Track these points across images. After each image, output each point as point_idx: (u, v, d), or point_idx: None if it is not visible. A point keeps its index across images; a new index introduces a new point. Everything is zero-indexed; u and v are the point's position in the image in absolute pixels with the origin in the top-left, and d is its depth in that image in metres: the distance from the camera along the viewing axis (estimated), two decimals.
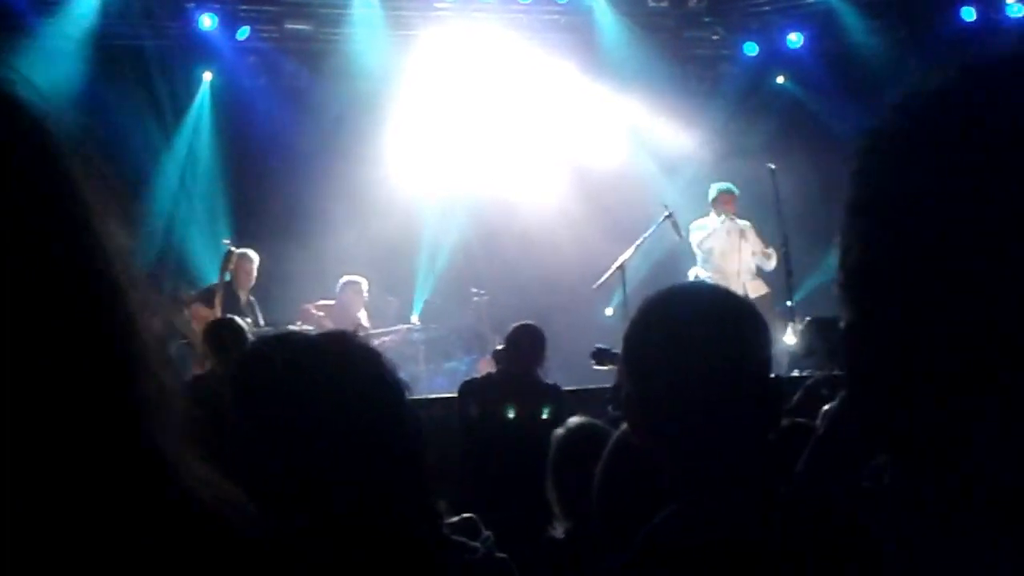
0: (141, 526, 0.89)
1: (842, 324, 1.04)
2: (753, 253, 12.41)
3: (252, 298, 12.45)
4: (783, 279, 11.65)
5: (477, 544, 3.55)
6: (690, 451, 2.00)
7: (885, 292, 0.99)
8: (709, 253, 12.50)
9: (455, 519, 4.04)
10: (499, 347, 8.92)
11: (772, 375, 2.14)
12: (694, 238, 12.60)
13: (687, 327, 2.01)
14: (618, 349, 8.49)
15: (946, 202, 0.94)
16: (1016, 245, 0.90)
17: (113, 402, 0.89)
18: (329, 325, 12.30)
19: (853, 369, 1.05)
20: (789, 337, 10.33)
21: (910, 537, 1.01)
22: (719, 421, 1.97)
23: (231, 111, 14.50)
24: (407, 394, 2.09)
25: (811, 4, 14.93)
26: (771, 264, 12.25)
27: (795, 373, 8.81)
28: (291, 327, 12.24)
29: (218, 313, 11.25)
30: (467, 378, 12.89)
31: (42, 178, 0.90)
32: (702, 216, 12.75)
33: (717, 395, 1.96)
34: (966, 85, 1.00)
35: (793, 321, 10.76)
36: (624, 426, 2.82)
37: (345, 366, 1.90)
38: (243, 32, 14.30)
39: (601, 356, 8.89)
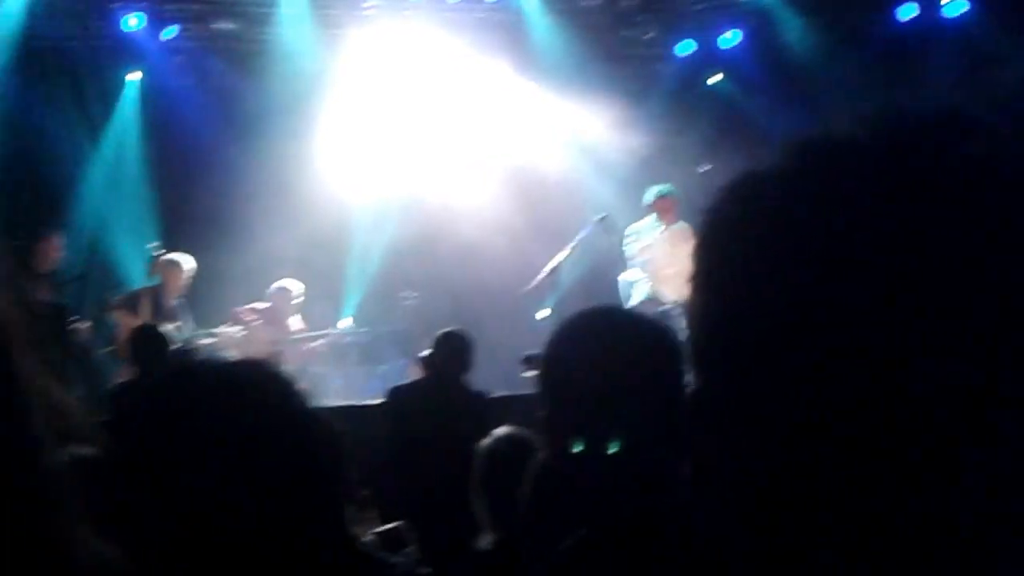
0: None
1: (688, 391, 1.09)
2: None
3: (183, 301, 12.29)
4: None
5: (399, 559, 3.46)
6: (603, 473, 2.03)
7: (718, 366, 1.01)
8: (645, 261, 12.33)
9: (381, 528, 3.96)
10: (425, 352, 8.80)
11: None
12: (630, 248, 12.46)
13: (602, 352, 2.07)
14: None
15: (779, 278, 0.95)
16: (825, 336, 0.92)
17: (8, 486, 0.90)
18: (260, 329, 12.22)
19: (696, 434, 1.07)
20: None
21: None
22: (630, 444, 2.00)
23: (158, 111, 14.28)
24: (319, 421, 2.00)
25: (746, 3, 14.88)
26: None
27: None
28: (222, 329, 12.16)
29: (144, 319, 11.05)
30: (399, 380, 12.92)
31: None
32: (637, 219, 12.62)
33: (627, 419, 1.99)
34: (801, 161, 1.00)
35: None
36: None
37: (252, 401, 1.82)
38: (169, 32, 14.09)
39: (532, 362, 8.79)
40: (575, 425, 2.07)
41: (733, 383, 0.99)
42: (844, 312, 0.91)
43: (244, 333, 12.27)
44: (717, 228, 1.04)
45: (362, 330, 13.67)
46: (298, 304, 12.87)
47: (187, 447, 1.73)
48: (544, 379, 2.19)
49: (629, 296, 12.40)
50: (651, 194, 12.49)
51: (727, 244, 1.02)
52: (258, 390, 1.84)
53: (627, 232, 12.51)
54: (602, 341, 2.11)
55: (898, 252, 0.91)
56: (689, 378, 1.12)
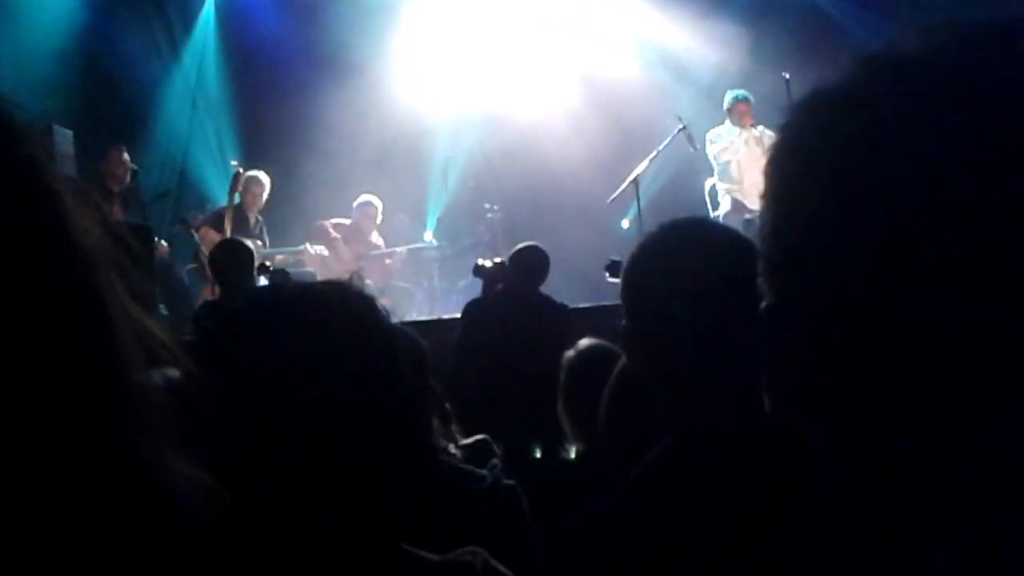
0: (119, 525, 0.91)
1: (762, 305, 1.08)
2: None
3: (260, 218, 12.37)
4: None
5: (484, 472, 3.49)
6: (684, 385, 2.05)
7: (798, 283, 1.02)
8: (727, 164, 12.24)
9: (468, 440, 4.00)
10: (487, 261, 8.75)
11: None
12: (711, 150, 12.38)
13: (684, 264, 2.07)
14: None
15: (848, 200, 0.96)
16: (923, 247, 0.91)
17: (89, 402, 0.90)
18: (341, 245, 12.32)
19: (771, 351, 1.08)
20: None
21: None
22: (714, 358, 2.00)
23: (239, 26, 14.38)
24: (405, 342, 2.05)
25: None
26: None
27: None
28: (303, 247, 12.24)
29: (227, 236, 11.11)
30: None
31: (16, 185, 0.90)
32: (717, 125, 12.51)
33: (712, 333, 2.00)
34: (868, 80, 1.00)
35: None
36: None
37: (336, 320, 1.83)
38: None
39: (616, 269, 8.74)
40: (655, 336, 2.08)
41: (803, 300, 1.00)
42: (911, 232, 0.91)
43: (326, 250, 12.35)
44: (786, 146, 1.05)
45: (444, 244, 13.64)
46: (380, 219, 12.88)
47: (273, 368, 1.74)
48: (626, 290, 2.18)
49: (716, 203, 12.37)
50: (728, 98, 12.37)
51: (796, 162, 1.03)
52: (342, 309, 1.84)
53: (707, 137, 12.43)
54: (685, 252, 2.10)
55: (964, 171, 0.90)
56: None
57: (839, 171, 0.97)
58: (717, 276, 2.02)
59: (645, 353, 2.13)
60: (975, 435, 0.91)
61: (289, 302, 1.87)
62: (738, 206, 11.86)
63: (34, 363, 0.86)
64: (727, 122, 12.37)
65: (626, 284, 2.18)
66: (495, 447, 3.86)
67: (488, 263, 8.54)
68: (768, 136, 11.85)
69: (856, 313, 0.95)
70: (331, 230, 12.58)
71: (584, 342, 4.47)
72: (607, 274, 9.00)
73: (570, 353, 4.43)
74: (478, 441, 3.94)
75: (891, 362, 0.93)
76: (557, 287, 8.46)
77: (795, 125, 1.04)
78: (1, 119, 0.91)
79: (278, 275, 9.21)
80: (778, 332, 1.06)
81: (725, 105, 12.38)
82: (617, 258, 8.85)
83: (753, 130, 11.97)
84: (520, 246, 8.16)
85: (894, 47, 1.00)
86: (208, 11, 14.47)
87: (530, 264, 7.98)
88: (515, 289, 7.96)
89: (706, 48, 14.53)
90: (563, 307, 7.98)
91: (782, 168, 1.05)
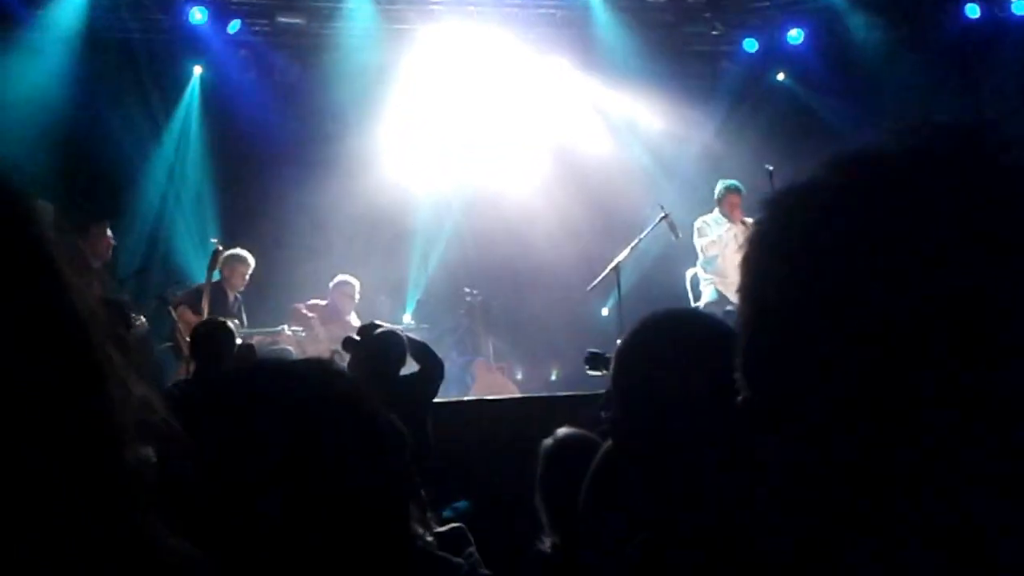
0: None
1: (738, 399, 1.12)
2: None
3: (239, 297, 12.31)
4: None
5: (461, 561, 3.42)
6: (671, 477, 2.09)
7: (765, 374, 1.07)
8: (714, 257, 12.25)
9: (443, 528, 3.93)
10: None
11: None
12: (699, 240, 12.38)
13: (674, 355, 2.13)
14: (611, 353, 8.31)
15: (824, 295, 1.00)
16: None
17: (92, 479, 0.93)
18: (318, 325, 12.25)
19: (750, 440, 1.11)
20: None
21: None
22: (703, 452, 2.02)
23: (221, 105, 14.37)
24: (388, 427, 1.95)
25: (810, 1, 14.83)
26: None
27: None
28: (281, 328, 12.18)
29: (204, 315, 11.11)
30: (461, 379, 12.87)
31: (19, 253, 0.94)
32: (702, 214, 12.54)
33: (701, 426, 2.01)
34: (834, 181, 1.05)
35: None
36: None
37: (317, 401, 1.80)
38: (234, 26, 14.19)
39: (595, 362, 8.69)
40: (644, 427, 2.12)
41: (778, 392, 1.05)
42: (883, 321, 0.96)
43: (304, 330, 12.28)
44: (761, 241, 1.09)
45: (423, 326, 13.47)
46: (357, 299, 12.81)
47: (251, 446, 1.71)
48: (616, 380, 2.21)
49: (697, 292, 12.37)
50: (720, 188, 12.42)
51: (771, 256, 1.08)
52: (323, 389, 1.81)
53: (695, 225, 12.44)
54: (675, 345, 2.15)
55: (930, 263, 0.96)
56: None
57: (810, 260, 1.02)
58: (706, 370, 2.01)
59: (633, 443, 2.17)
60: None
61: (268, 382, 1.83)
62: (721, 297, 11.85)
63: (38, 441, 0.89)
64: (716, 211, 12.40)
65: (616, 372, 2.21)
66: (470, 535, 3.80)
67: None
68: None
69: (832, 405, 0.99)
70: (307, 311, 12.50)
71: (562, 430, 4.40)
72: (587, 367, 8.95)
73: (548, 441, 4.35)
74: (453, 529, 3.88)
75: (868, 454, 0.98)
76: (539, 373, 8.42)
77: (770, 221, 1.09)
78: (12, 197, 0.95)
79: (244, 349, 9.10)
80: (755, 421, 1.10)
81: (716, 195, 12.43)
82: (596, 351, 8.82)
83: (742, 224, 11.99)
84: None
85: (863, 147, 1.05)
86: (192, 89, 14.49)
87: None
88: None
89: (688, 136, 14.67)
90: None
91: (757, 263, 1.09)
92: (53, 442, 0.89)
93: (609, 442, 2.91)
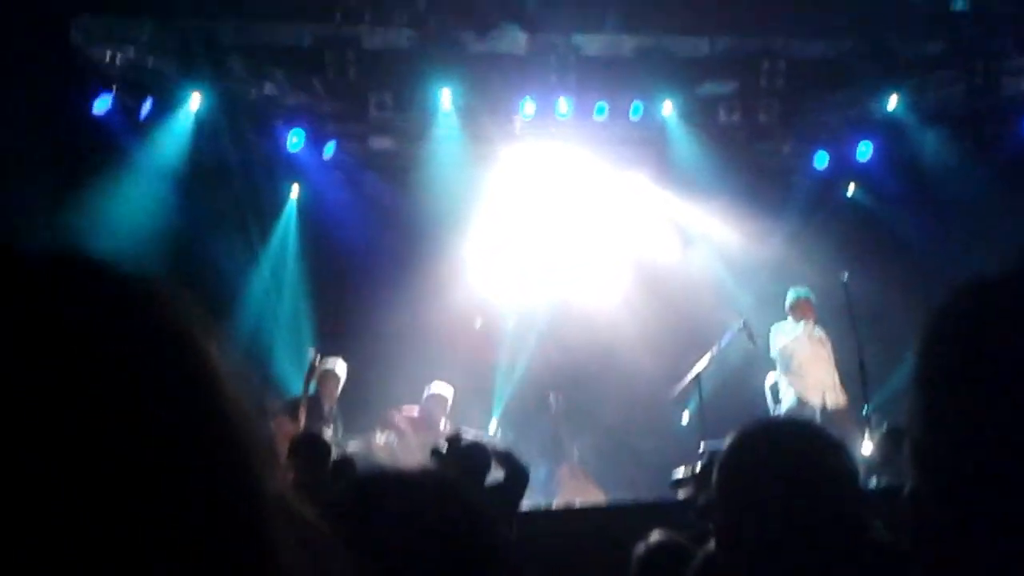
0: None
1: (906, 489, 1.13)
2: (833, 361, 12.45)
3: (335, 407, 12.54)
4: (859, 388, 11.60)
5: None
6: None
7: (947, 467, 1.05)
8: (790, 359, 12.53)
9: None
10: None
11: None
12: (776, 342, 12.67)
13: (780, 464, 2.19)
14: (692, 467, 8.54)
15: (1008, 388, 1.01)
16: None
17: None
18: (410, 434, 12.47)
19: (916, 535, 1.14)
20: (866, 447, 10.39)
21: None
22: (804, 557, 2.13)
23: (317, 223, 14.80)
24: (495, 536, 2.04)
25: (879, 116, 15.03)
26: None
27: (872, 483, 8.88)
28: (374, 435, 12.44)
29: (301, 426, 11.32)
30: (546, 485, 12.99)
31: (178, 360, 0.92)
32: (778, 321, 12.85)
33: (803, 533, 2.12)
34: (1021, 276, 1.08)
35: (869, 430, 10.80)
36: (710, 544, 2.88)
37: (438, 521, 1.88)
38: (329, 149, 14.64)
39: (681, 485, 8.86)
40: (752, 535, 2.16)
41: (957, 483, 1.03)
42: None
43: (396, 438, 12.57)
44: (946, 332, 1.09)
45: (509, 433, 13.77)
46: (449, 407, 13.12)
47: (375, 556, 1.71)
48: (721, 486, 2.26)
49: (777, 398, 12.63)
50: (791, 296, 12.78)
51: (958, 348, 1.07)
52: (441, 504, 1.88)
53: (771, 331, 12.75)
54: (779, 455, 2.21)
55: None
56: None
57: (1002, 353, 1.02)
58: (809, 478, 2.14)
59: (739, 550, 2.21)
60: None
61: (389, 494, 1.90)
62: (800, 402, 12.11)
63: (199, 556, 0.85)
64: (789, 319, 12.72)
65: (721, 479, 2.25)
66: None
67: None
68: (824, 335, 12.27)
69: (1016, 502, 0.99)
70: (399, 419, 12.78)
71: (655, 536, 4.46)
72: (672, 490, 9.10)
73: (640, 547, 4.43)
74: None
75: None
76: (621, 480, 8.52)
77: (954, 311, 1.08)
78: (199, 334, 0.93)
79: (344, 463, 9.18)
80: (922, 512, 1.08)
81: (788, 303, 12.77)
82: (681, 476, 9.01)
83: (816, 326, 12.33)
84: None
85: None
86: (289, 209, 15.00)
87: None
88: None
89: (761, 247, 14.97)
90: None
91: (942, 352, 1.08)
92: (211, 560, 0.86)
93: (710, 547, 2.91)
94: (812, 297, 12.66)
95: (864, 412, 11.30)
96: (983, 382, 1.03)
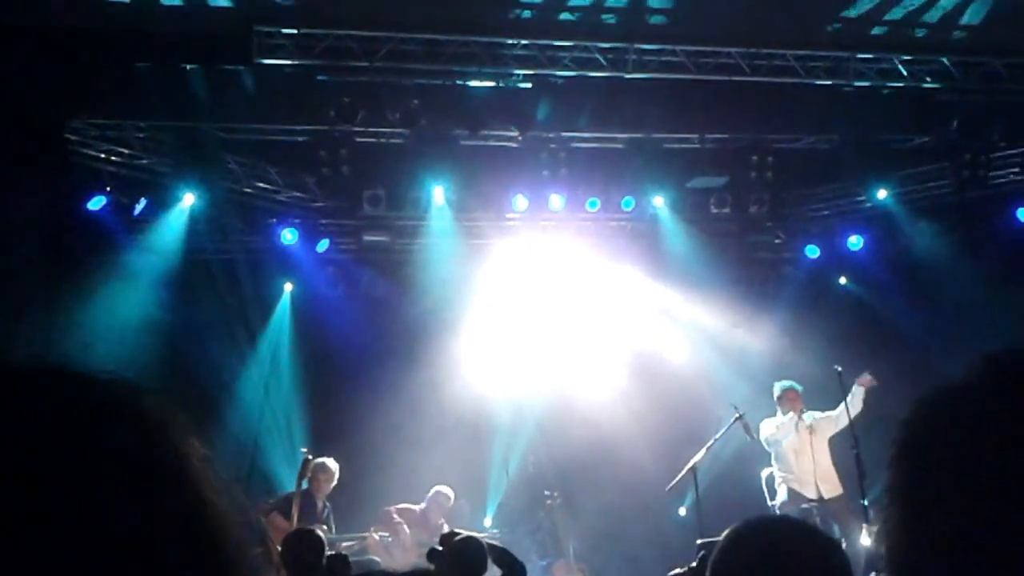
0: None
1: None
2: (827, 448, 12.44)
3: (327, 504, 12.54)
4: (856, 479, 11.55)
5: None
6: None
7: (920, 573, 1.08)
8: (781, 451, 12.55)
9: None
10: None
11: None
12: (764, 432, 12.69)
13: (775, 563, 2.19)
14: (687, 568, 8.52)
15: (977, 494, 1.03)
16: None
17: None
18: (404, 531, 12.45)
19: None
20: (864, 538, 10.32)
21: None
22: None
23: (310, 318, 14.84)
24: None
25: (870, 207, 15.19)
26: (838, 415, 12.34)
27: (872, 575, 8.82)
28: (368, 534, 12.36)
29: (295, 522, 11.28)
30: None
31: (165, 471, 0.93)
32: (770, 415, 12.85)
33: None
34: (990, 381, 1.09)
35: (868, 521, 10.75)
36: None
37: None
38: (322, 245, 14.72)
39: None
40: None
41: None
42: None
43: (389, 535, 12.52)
44: (915, 441, 1.11)
45: (504, 530, 13.65)
46: (449, 507, 13.12)
47: None
48: None
49: (772, 492, 12.62)
50: (778, 388, 12.82)
51: (927, 457, 1.09)
52: None
53: (761, 426, 12.76)
54: (775, 556, 2.22)
55: None
56: None
57: (972, 460, 1.03)
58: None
59: None
60: None
61: None
62: (794, 496, 12.07)
63: None
64: (778, 412, 12.73)
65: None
66: None
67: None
68: (817, 420, 12.27)
69: None
70: (396, 516, 12.73)
71: None
72: None
73: None
74: None
75: None
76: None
77: (922, 419, 1.11)
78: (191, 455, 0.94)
79: (337, 560, 9.14)
80: None
81: (775, 395, 12.81)
82: (680, 571, 9.00)
83: (804, 416, 12.34)
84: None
85: (1016, 349, 1.05)
86: (283, 304, 15.03)
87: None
88: None
89: (755, 339, 14.99)
90: None
91: (913, 461, 1.10)
92: None
93: None
94: (798, 388, 12.69)
95: (863, 503, 11.23)
96: (952, 491, 1.05)
